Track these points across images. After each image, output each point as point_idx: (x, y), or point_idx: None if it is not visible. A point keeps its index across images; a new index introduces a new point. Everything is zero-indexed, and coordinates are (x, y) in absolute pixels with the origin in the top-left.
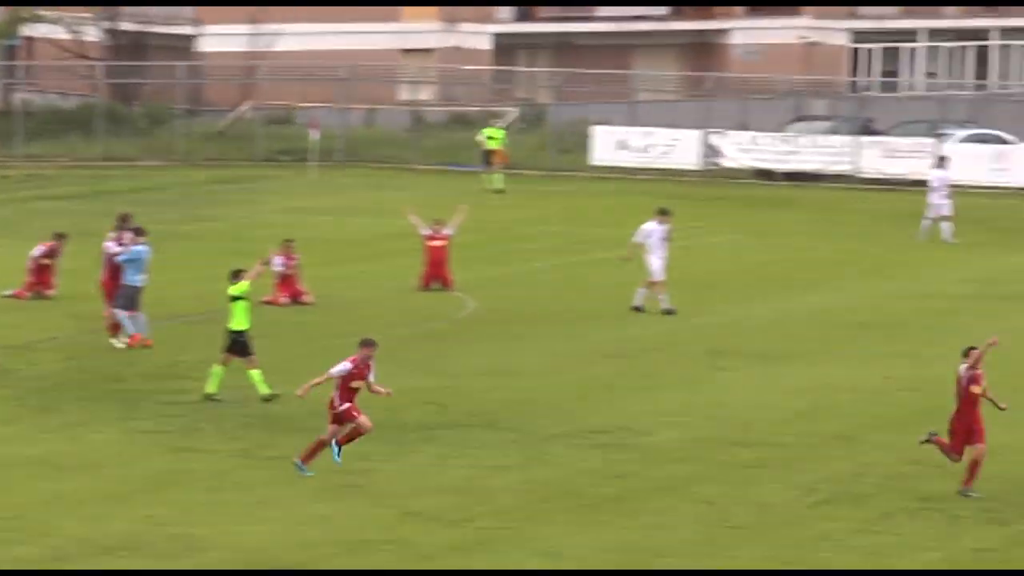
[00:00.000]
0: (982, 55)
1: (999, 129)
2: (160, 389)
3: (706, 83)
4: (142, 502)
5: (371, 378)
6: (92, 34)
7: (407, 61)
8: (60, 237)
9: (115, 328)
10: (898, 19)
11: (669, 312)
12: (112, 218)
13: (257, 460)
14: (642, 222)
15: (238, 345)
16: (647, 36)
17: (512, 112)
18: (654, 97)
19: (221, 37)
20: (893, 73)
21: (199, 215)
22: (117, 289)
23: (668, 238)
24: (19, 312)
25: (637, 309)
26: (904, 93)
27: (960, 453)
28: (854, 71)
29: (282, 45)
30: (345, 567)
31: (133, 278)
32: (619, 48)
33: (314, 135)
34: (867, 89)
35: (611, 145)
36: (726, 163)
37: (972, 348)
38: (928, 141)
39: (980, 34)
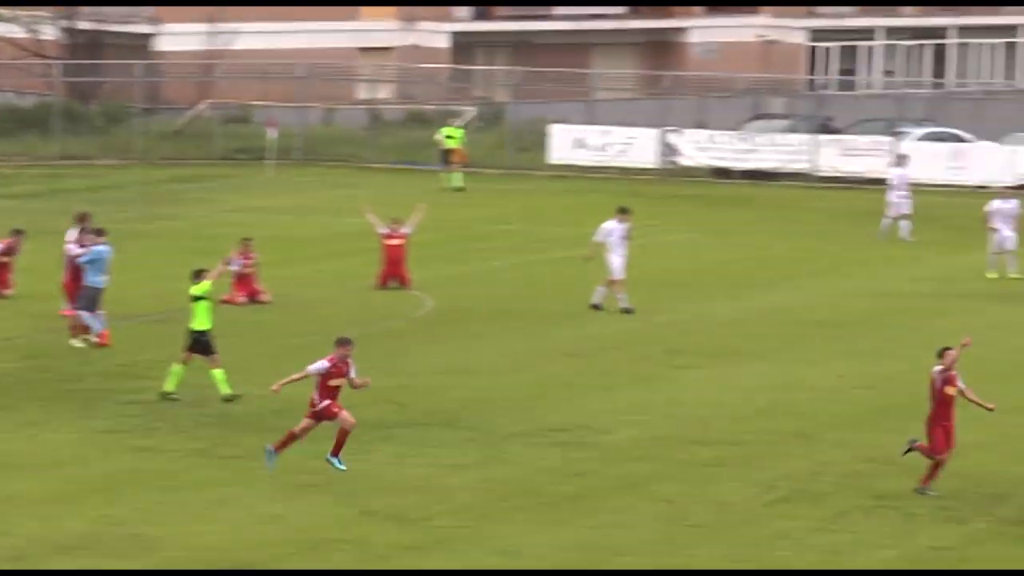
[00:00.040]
0: (939, 54)
1: (956, 127)
2: (118, 389)
3: (664, 82)
4: (99, 501)
5: (352, 375)
6: (49, 33)
7: (365, 60)
8: (17, 233)
9: (76, 329)
10: (856, 18)
11: (627, 311)
12: (70, 217)
13: (214, 459)
14: (600, 221)
15: (200, 345)
16: (605, 35)
17: (470, 111)
18: (612, 96)
19: (179, 36)
20: (851, 71)
21: (157, 214)
22: (79, 291)
23: (628, 236)
24: None
25: (596, 307)
26: (862, 91)
27: (946, 449)
28: (812, 69)
29: (240, 44)
30: (302, 566)
31: (95, 279)
32: (577, 47)
33: (272, 134)
34: (825, 87)
35: (569, 144)
36: (683, 161)
37: (947, 349)
38: (886, 139)
39: (938, 33)
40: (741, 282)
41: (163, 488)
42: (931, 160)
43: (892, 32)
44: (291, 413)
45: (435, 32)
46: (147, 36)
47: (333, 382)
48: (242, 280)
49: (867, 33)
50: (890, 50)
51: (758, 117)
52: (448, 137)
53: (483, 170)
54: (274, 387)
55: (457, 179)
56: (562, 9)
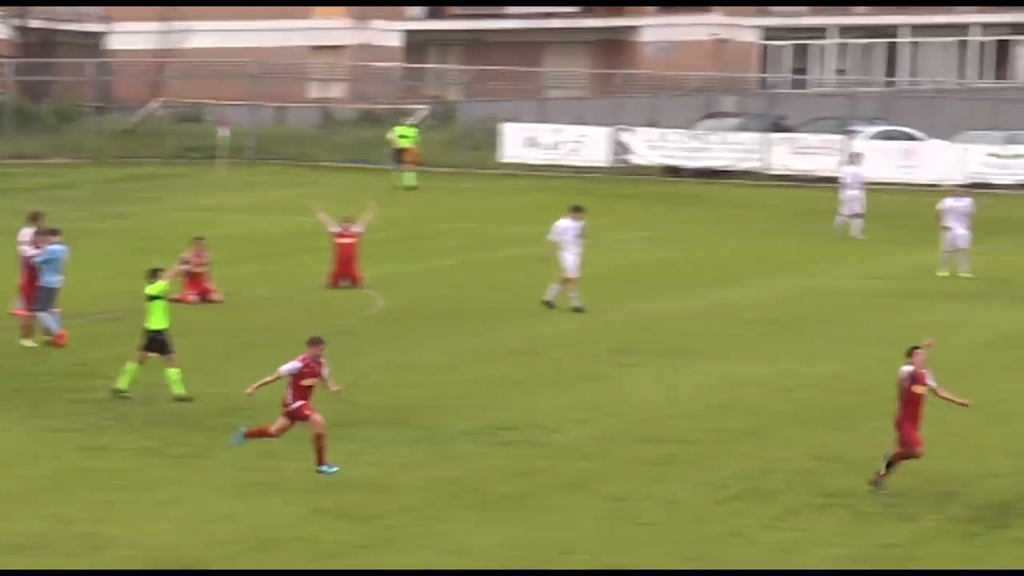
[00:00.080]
0: (892, 52)
1: (908, 126)
2: (68, 387)
3: (616, 80)
4: (50, 501)
5: (325, 374)
6: (0, 31)
7: (317, 59)
8: None
9: (26, 329)
10: (808, 16)
11: (578, 310)
12: (22, 216)
13: (165, 458)
14: (552, 219)
15: (156, 344)
16: (557, 33)
17: (422, 109)
18: (564, 94)
19: (131, 35)
20: (803, 70)
21: (109, 213)
22: (35, 292)
23: (582, 235)
24: None
25: (548, 304)
26: (814, 90)
27: (919, 441)
28: (764, 68)
29: (192, 42)
30: (253, 564)
31: (50, 279)
32: (530, 45)
33: (224, 132)
34: (777, 86)
35: (520, 142)
36: (635, 160)
37: (915, 348)
38: (837, 138)
39: (890, 31)
40: (692, 280)
41: (114, 487)
42: (883, 158)
43: (844, 31)
44: (243, 412)
45: (387, 31)
46: (99, 35)
47: (305, 382)
48: (193, 279)
49: (819, 32)
50: (842, 49)
51: (710, 116)
52: (401, 136)
53: (435, 169)
54: (248, 390)
55: (409, 178)
56: (514, 8)
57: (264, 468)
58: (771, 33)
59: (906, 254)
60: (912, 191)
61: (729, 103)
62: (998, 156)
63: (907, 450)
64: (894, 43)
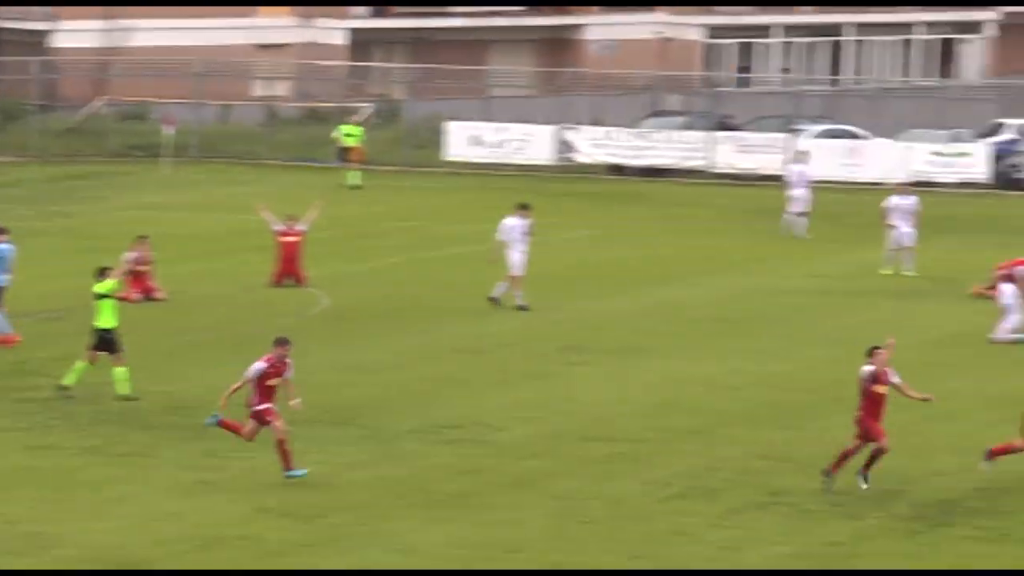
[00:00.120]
0: (836, 51)
1: (852, 124)
2: (12, 386)
3: (561, 79)
4: None
5: (289, 375)
6: None
7: (262, 57)
8: None
9: None
10: (753, 15)
11: (522, 308)
12: None
13: (110, 457)
14: (496, 217)
15: (105, 342)
16: (502, 32)
17: (367, 108)
18: (509, 93)
19: (75, 33)
20: (748, 69)
21: (54, 211)
22: None
23: (529, 233)
24: None
25: (493, 300)
26: (758, 88)
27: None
28: (709, 67)
29: (137, 41)
30: (198, 563)
31: None
32: (475, 44)
33: (168, 131)
34: (721, 85)
35: (465, 141)
36: (580, 158)
37: (876, 348)
38: (781, 136)
39: (834, 30)
40: (637, 279)
41: (60, 486)
42: (827, 157)
43: (789, 29)
44: (187, 411)
45: (332, 29)
46: (43, 33)
47: (270, 382)
48: (137, 277)
49: (764, 30)
50: (787, 47)
51: (655, 114)
52: (347, 135)
53: (379, 167)
54: (221, 402)
55: (354, 177)
56: (459, 7)
57: (209, 467)
58: (716, 32)
59: (851, 253)
60: (856, 189)
61: (674, 102)
62: (942, 154)
63: (876, 444)
64: (838, 42)
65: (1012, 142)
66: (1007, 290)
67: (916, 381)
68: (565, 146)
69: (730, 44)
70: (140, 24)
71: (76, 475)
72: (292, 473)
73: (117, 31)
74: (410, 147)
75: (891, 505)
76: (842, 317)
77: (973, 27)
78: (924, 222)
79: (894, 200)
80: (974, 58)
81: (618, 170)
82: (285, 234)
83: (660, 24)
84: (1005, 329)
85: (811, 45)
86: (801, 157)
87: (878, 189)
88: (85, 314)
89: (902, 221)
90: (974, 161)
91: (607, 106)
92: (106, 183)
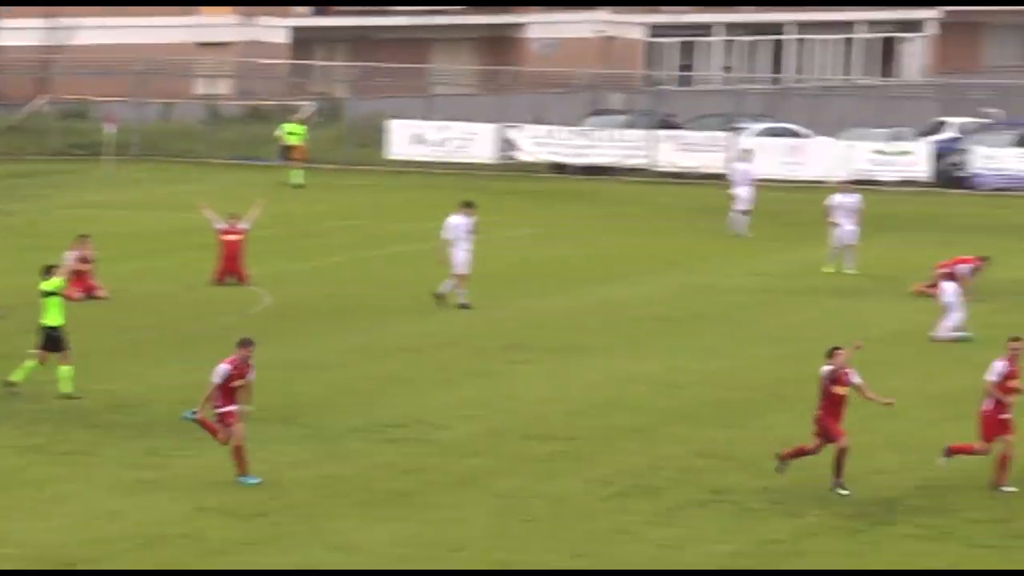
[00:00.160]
0: (777, 50)
1: (794, 123)
2: None
3: (503, 77)
4: None
5: (251, 377)
6: None
7: (204, 55)
8: None
9: None
10: (695, 13)
11: (464, 307)
12: None
13: (52, 455)
14: (439, 216)
15: (52, 340)
16: (444, 30)
17: (309, 106)
18: (451, 91)
19: (16, 31)
20: (689, 67)
21: None
22: None
23: (474, 231)
24: None
25: (439, 296)
26: (700, 87)
27: (843, 432)
28: (650, 65)
29: (78, 39)
30: (139, 561)
31: None
32: (417, 42)
33: (110, 129)
34: (663, 83)
35: (407, 139)
36: (522, 157)
37: (836, 348)
38: (723, 135)
39: (775, 29)
40: (580, 277)
41: (0, 485)
42: (769, 155)
43: (731, 28)
44: (129, 409)
45: (274, 27)
46: None
47: (234, 384)
48: (78, 276)
49: (705, 29)
50: (728, 46)
51: (597, 113)
52: (290, 133)
53: (322, 165)
54: (198, 415)
55: (297, 176)
56: (401, 5)
57: (150, 465)
58: (657, 30)
59: (793, 251)
60: (797, 188)
61: (616, 100)
62: (883, 153)
63: (829, 443)
64: (780, 40)
65: (953, 140)
66: (948, 288)
67: None
68: (507, 145)
69: (672, 43)
70: (82, 23)
71: (18, 474)
72: (246, 479)
73: (58, 29)
74: (352, 145)
75: (832, 503)
76: (784, 315)
77: (914, 26)
78: (866, 220)
79: (837, 198)
80: (915, 57)
81: (560, 169)
82: (227, 232)
83: (602, 23)
84: (946, 327)
85: (753, 44)
86: (745, 156)
87: (819, 187)
88: (27, 312)
89: (845, 219)
90: (915, 160)
91: (549, 105)
92: (48, 181)
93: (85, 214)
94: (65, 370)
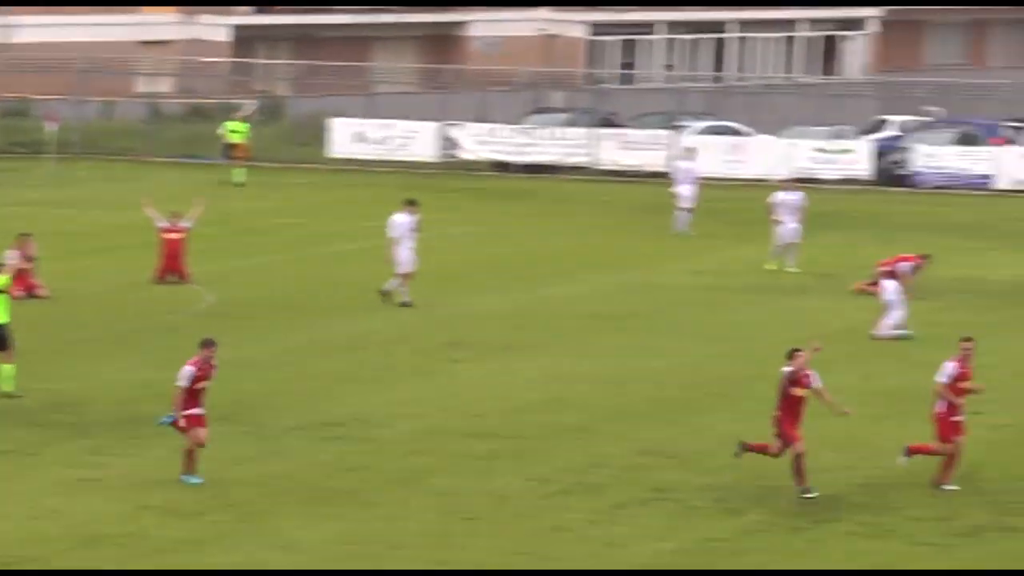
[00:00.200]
0: (719, 48)
1: (735, 121)
2: None
3: (444, 75)
4: None
5: (213, 376)
6: None
7: (145, 53)
8: None
9: None
10: (636, 11)
11: (406, 305)
12: None
13: None
14: (381, 214)
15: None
16: (386, 28)
17: (251, 104)
18: (393, 89)
19: None
20: (631, 65)
21: None
22: None
23: (417, 229)
24: None
25: (384, 293)
26: (642, 85)
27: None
28: (592, 63)
29: (18, 37)
30: (79, 561)
31: None
32: (359, 40)
33: (51, 127)
34: (605, 81)
35: (349, 137)
36: (464, 155)
37: (796, 350)
38: (665, 133)
39: (717, 27)
40: (521, 275)
41: None
42: (710, 153)
43: (672, 26)
44: (68, 407)
45: (216, 26)
46: None
47: (198, 385)
48: (19, 274)
49: (647, 27)
50: (670, 44)
51: (538, 111)
52: (232, 131)
53: (264, 164)
54: (181, 423)
55: (239, 175)
56: (343, 4)
57: (91, 464)
58: (599, 28)
59: (734, 249)
60: (739, 186)
61: (557, 98)
62: (824, 151)
63: (792, 448)
64: (722, 38)
65: (894, 139)
66: (889, 286)
67: None
68: (449, 143)
69: (613, 41)
70: (22, 20)
71: None
72: (189, 479)
73: None
74: (294, 144)
75: (774, 501)
76: (726, 313)
77: (856, 24)
78: (808, 219)
79: (780, 196)
80: (857, 55)
81: (502, 167)
82: (169, 231)
83: (544, 21)
84: (887, 325)
85: (694, 42)
86: (688, 154)
87: (761, 186)
88: None
89: (788, 217)
90: (857, 158)
91: (491, 103)
92: None
93: (26, 212)
94: (8, 368)
